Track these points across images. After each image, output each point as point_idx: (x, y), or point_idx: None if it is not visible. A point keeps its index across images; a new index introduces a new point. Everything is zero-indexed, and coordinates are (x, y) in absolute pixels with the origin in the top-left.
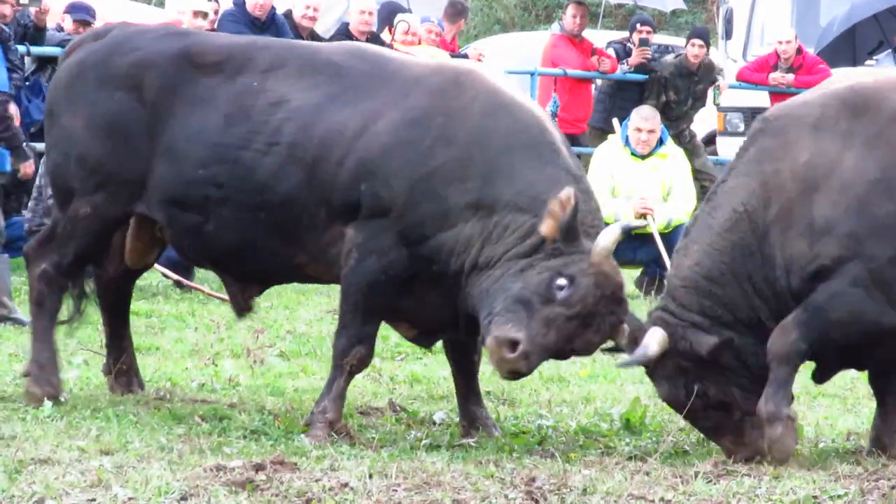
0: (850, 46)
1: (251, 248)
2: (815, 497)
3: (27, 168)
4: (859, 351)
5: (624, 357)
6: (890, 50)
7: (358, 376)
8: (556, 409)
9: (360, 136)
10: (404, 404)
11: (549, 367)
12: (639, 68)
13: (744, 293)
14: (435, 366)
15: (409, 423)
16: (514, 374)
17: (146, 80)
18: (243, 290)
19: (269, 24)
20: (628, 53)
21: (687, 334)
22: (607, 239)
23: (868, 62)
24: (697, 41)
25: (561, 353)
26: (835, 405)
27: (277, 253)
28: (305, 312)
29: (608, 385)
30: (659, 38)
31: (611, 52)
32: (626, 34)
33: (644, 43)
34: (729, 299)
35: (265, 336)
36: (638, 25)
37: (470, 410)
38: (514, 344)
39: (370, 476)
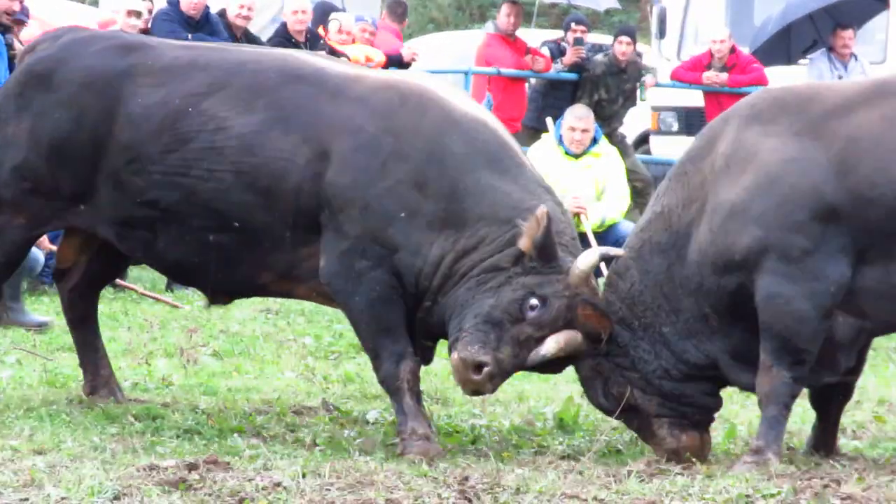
0: (784, 45)
1: (205, 266)
2: (747, 496)
3: None
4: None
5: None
6: (824, 49)
7: (291, 375)
8: (490, 408)
9: (312, 163)
10: (338, 403)
11: None
12: (573, 67)
13: (644, 290)
14: (368, 365)
15: (343, 422)
16: (477, 394)
17: (88, 102)
18: (211, 298)
19: (204, 23)
20: (562, 53)
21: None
22: (586, 262)
23: (802, 61)
24: (625, 39)
25: (528, 369)
26: None
27: (236, 272)
28: (239, 312)
29: (542, 384)
30: (593, 38)
31: (545, 51)
32: (560, 33)
33: (578, 42)
34: (629, 294)
35: (198, 335)
36: (572, 25)
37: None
38: (479, 366)
39: (303, 475)
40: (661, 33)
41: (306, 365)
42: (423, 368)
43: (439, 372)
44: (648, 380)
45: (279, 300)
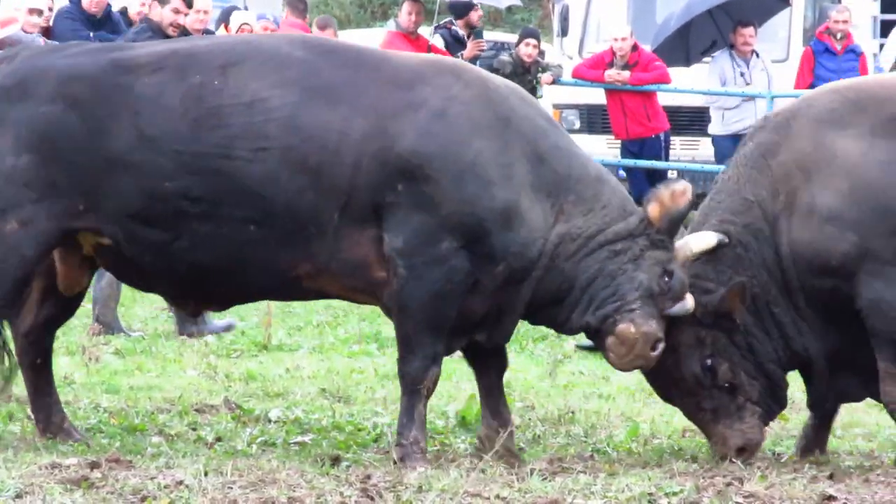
0: (684, 44)
1: (236, 265)
2: (650, 494)
3: None
4: None
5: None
6: (725, 47)
7: (193, 373)
8: (392, 406)
9: (375, 136)
10: (240, 402)
11: (384, 363)
12: (473, 61)
13: (758, 274)
14: (270, 364)
15: (245, 420)
16: (637, 368)
17: (78, 90)
18: (196, 312)
19: (105, 21)
20: (458, 40)
21: (701, 299)
22: (701, 244)
23: (704, 60)
24: (531, 41)
25: None
26: None
27: (272, 267)
28: (141, 310)
29: (444, 382)
30: (495, 36)
31: (439, 39)
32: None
33: (478, 35)
34: (738, 264)
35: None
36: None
37: (500, 412)
38: (657, 342)
39: (205, 474)
40: (564, 31)
41: (208, 363)
42: (325, 366)
43: (341, 370)
44: (760, 363)
45: None
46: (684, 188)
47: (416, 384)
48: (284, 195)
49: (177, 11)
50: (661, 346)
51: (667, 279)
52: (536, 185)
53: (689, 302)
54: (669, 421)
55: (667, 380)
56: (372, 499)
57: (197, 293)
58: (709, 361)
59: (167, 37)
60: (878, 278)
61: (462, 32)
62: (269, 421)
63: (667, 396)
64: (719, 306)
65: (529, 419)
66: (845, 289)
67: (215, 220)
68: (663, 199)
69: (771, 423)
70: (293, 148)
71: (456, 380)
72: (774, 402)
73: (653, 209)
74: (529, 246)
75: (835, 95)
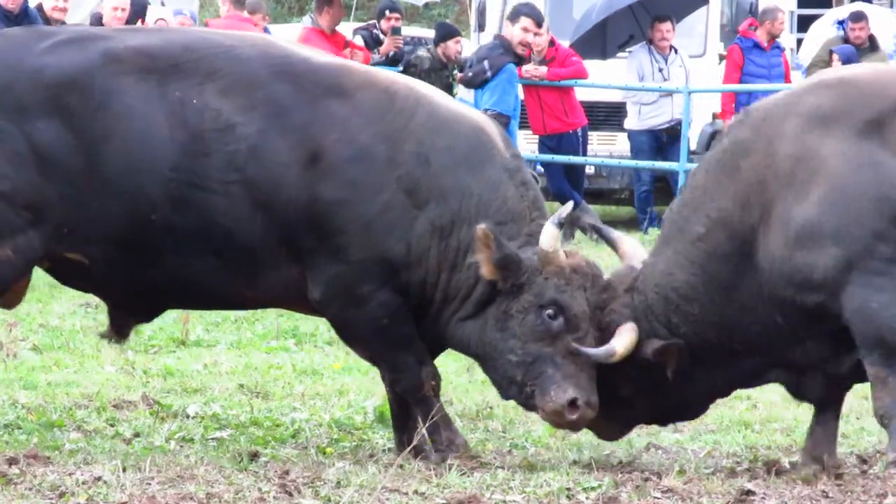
0: (601, 38)
1: (190, 289)
2: (568, 489)
3: None
4: None
5: (588, 350)
6: (643, 42)
7: (111, 369)
8: (310, 401)
9: (305, 172)
10: (158, 398)
11: (302, 359)
12: (391, 58)
13: (719, 311)
14: (188, 359)
15: (163, 416)
16: (587, 423)
17: (71, 101)
18: (134, 320)
19: (23, 17)
20: (377, 41)
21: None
22: (548, 239)
23: (620, 55)
24: (457, 38)
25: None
26: None
27: (223, 291)
28: (58, 306)
29: (362, 378)
30: (413, 31)
31: (359, 40)
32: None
33: (396, 32)
34: (700, 318)
35: (18, 330)
36: (387, 12)
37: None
38: (572, 405)
39: (123, 469)
40: (481, 26)
41: (126, 359)
42: (243, 362)
43: (259, 366)
44: (681, 401)
45: None
46: (482, 233)
47: (417, 392)
48: (244, 229)
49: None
50: (579, 401)
51: (549, 315)
52: (432, 226)
53: (614, 355)
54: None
55: None
56: (290, 494)
57: (143, 305)
58: (622, 392)
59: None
60: (864, 287)
61: (383, 36)
62: (188, 416)
63: None
64: (652, 357)
65: None
66: (832, 306)
67: (187, 252)
68: (482, 257)
69: (701, 419)
70: (252, 181)
71: (374, 375)
72: (671, 419)
73: (484, 271)
74: (426, 287)
75: (823, 90)
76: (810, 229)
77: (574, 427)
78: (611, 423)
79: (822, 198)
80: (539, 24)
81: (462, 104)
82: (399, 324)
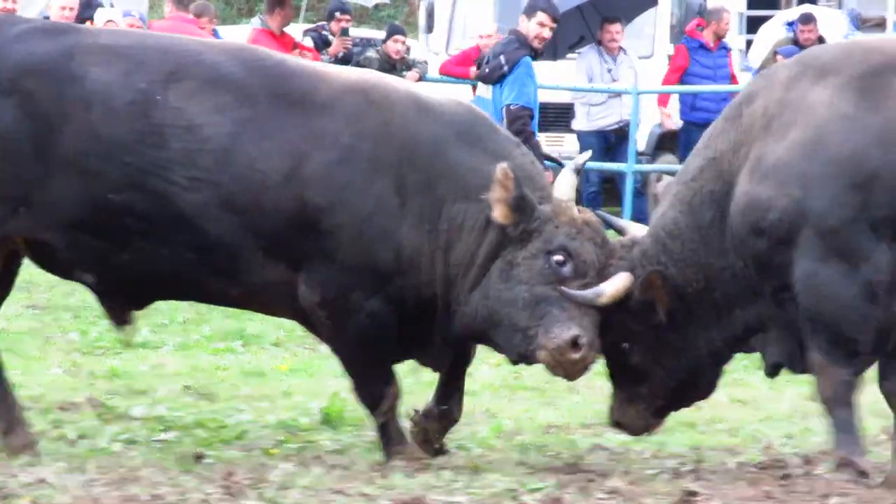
0: (551, 40)
1: (173, 283)
2: (513, 490)
3: None
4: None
5: (575, 292)
6: (594, 43)
7: (57, 371)
8: (256, 403)
9: (289, 180)
10: (103, 399)
11: (248, 360)
12: (340, 59)
13: (698, 248)
14: (134, 361)
15: (108, 418)
16: (587, 369)
17: (30, 85)
18: (127, 308)
19: None
20: (326, 43)
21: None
22: (565, 186)
23: (570, 55)
24: (400, 37)
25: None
26: (534, 398)
27: (206, 288)
28: (4, 308)
29: (308, 379)
30: (362, 32)
31: (308, 41)
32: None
33: (345, 33)
34: (681, 255)
35: None
36: (336, 14)
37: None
38: (574, 343)
39: (68, 472)
40: (430, 28)
41: (72, 361)
42: (189, 364)
43: (205, 367)
44: (684, 366)
45: (46, 295)
46: (503, 171)
47: (374, 410)
48: (216, 229)
49: None
50: (581, 340)
51: (558, 262)
52: (420, 217)
53: (600, 297)
54: (533, 417)
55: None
56: (235, 496)
57: (127, 293)
58: (625, 345)
59: None
60: (815, 250)
61: (332, 37)
62: (133, 418)
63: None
64: (639, 293)
65: None
66: (778, 257)
67: (156, 240)
68: (498, 196)
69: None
70: (223, 185)
71: (320, 376)
72: (689, 395)
73: (498, 214)
74: (421, 288)
75: (835, 48)
76: (778, 167)
77: (574, 368)
78: (634, 407)
79: (797, 140)
80: (555, 20)
81: (445, 95)
82: (382, 338)
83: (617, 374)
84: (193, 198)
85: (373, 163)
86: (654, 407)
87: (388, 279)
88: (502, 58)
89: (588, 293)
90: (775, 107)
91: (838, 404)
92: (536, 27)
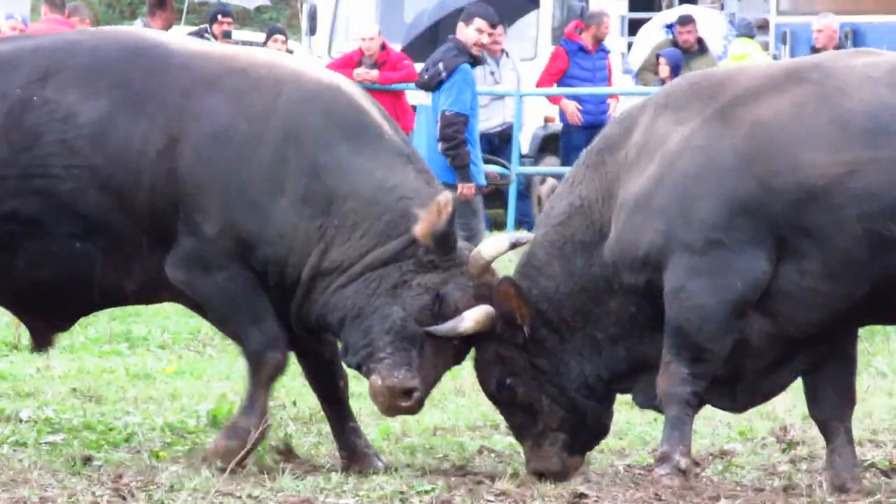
0: (434, 42)
1: (69, 282)
2: (401, 492)
3: None
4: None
5: (435, 327)
6: None
7: None
8: (143, 405)
9: (163, 156)
10: None
11: (135, 363)
12: None
13: (571, 293)
14: (21, 363)
15: None
16: (400, 415)
17: None
18: (51, 327)
19: None
20: None
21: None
22: (493, 250)
23: None
24: (280, 37)
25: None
26: None
27: (102, 283)
28: None
29: (195, 382)
30: (244, 35)
31: None
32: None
33: (227, 35)
34: (555, 294)
35: None
36: (218, 17)
37: (348, 442)
38: (409, 392)
39: None
40: (312, 30)
41: None
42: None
43: (92, 370)
44: (564, 391)
45: None
46: (446, 200)
47: (255, 365)
48: (96, 213)
49: None
50: (416, 394)
51: (438, 305)
52: (302, 201)
53: (462, 323)
54: (420, 420)
55: (483, 390)
56: (124, 498)
57: (39, 308)
58: (508, 381)
59: None
60: (682, 269)
61: (214, 39)
62: (20, 421)
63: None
64: (496, 307)
65: (281, 418)
66: (656, 288)
67: (43, 238)
68: (428, 217)
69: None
70: (98, 167)
71: (207, 379)
72: (586, 431)
73: (419, 229)
74: (287, 266)
75: (685, 84)
76: (639, 204)
77: (393, 409)
78: (542, 449)
79: (654, 174)
80: (493, 25)
81: (336, 75)
82: (250, 296)
83: (514, 421)
84: (72, 186)
85: (251, 141)
86: (559, 442)
87: (251, 249)
88: (441, 65)
89: (449, 324)
90: (635, 152)
91: (674, 401)
92: (475, 34)
